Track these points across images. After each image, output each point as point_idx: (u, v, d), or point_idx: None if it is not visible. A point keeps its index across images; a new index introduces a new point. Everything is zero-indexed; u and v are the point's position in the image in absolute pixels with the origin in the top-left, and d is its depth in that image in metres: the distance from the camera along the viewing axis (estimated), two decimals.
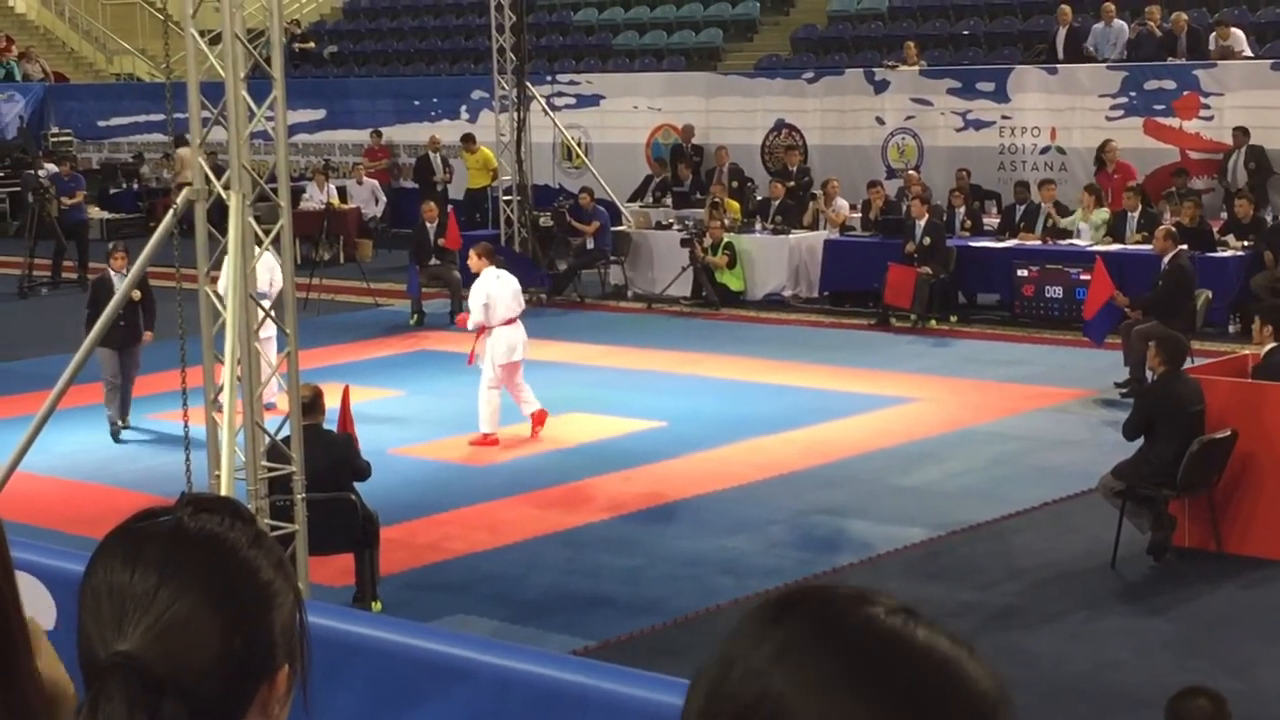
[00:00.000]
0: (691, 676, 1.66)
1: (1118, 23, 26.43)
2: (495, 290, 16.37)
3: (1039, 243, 22.35)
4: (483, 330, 16.39)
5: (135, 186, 34.98)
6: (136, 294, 15.79)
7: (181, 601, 1.96)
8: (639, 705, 4.05)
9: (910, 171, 25.76)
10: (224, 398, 10.72)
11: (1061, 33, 26.76)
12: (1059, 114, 25.65)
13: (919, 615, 1.59)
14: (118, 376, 16.76)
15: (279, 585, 2.04)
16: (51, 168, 29.89)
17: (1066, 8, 26.87)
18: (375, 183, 30.95)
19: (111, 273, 16.98)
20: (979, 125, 26.35)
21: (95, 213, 31.72)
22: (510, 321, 16.39)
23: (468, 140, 29.55)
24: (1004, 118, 26.11)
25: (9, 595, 2.26)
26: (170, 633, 1.94)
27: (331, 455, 11.57)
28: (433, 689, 4.43)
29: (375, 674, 4.56)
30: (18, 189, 32.73)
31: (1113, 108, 25.14)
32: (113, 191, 34.72)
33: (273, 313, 11.46)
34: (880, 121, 27.35)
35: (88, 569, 2.03)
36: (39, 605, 4.45)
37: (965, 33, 29.64)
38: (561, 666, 4.48)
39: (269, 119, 10.74)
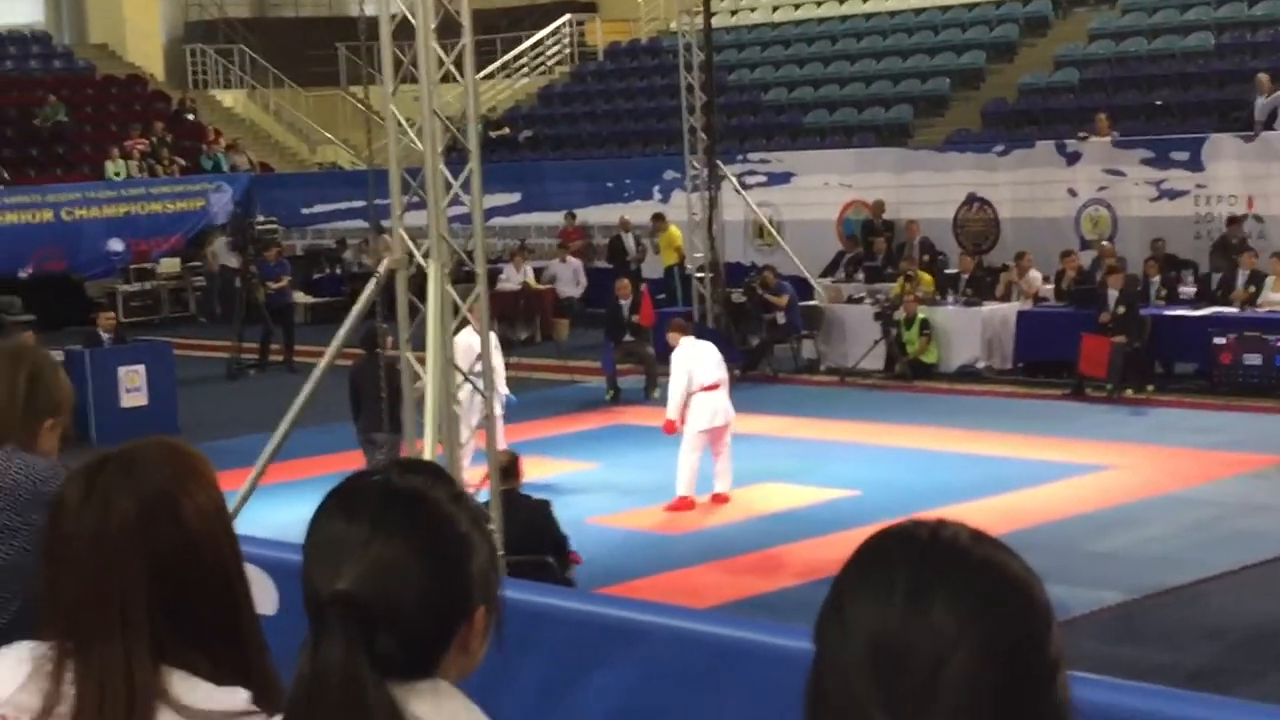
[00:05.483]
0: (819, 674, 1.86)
1: None
2: (695, 356, 16.73)
3: (1236, 310, 22.11)
4: (686, 398, 16.73)
5: (338, 271, 35.88)
6: None
7: (391, 548, 2.23)
8: (804, 657, 4.23)
9: (1104, 243, 25.60)
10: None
11: (1259, 101, 26.51)
12: (1256, 181, 25.37)
13: (985, 534, 1.91)
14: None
15: (475, 537, 2.32)
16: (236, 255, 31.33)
17: (1264, 76, 26.65)
18: (579, 263, 31.37)
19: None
20: (1173, 195, 26.13)
21: (300, 297, 32.58)
22: (712, 387, 16.70)
23: (657, 220, 30.01)
24: (1199, 186, 25.87)
25: (233, 563, 2.54)
26: (381, 575, 2.21)
27: (530, 521, 11.84)
28: (614, 649, 4.68)
29: (561, 639, 4.83)
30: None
31: None
32: (316, 276, 35.64)
33: (474, 380, 11.76)
34: (1073, 193, 27.23)
35: (310, 526, 2.31)
36: (261, 593, 4.74)
37: (1158, 103, 29.46)
38: (731, 625, 4.70)
39: (465, 193, 11.10)
